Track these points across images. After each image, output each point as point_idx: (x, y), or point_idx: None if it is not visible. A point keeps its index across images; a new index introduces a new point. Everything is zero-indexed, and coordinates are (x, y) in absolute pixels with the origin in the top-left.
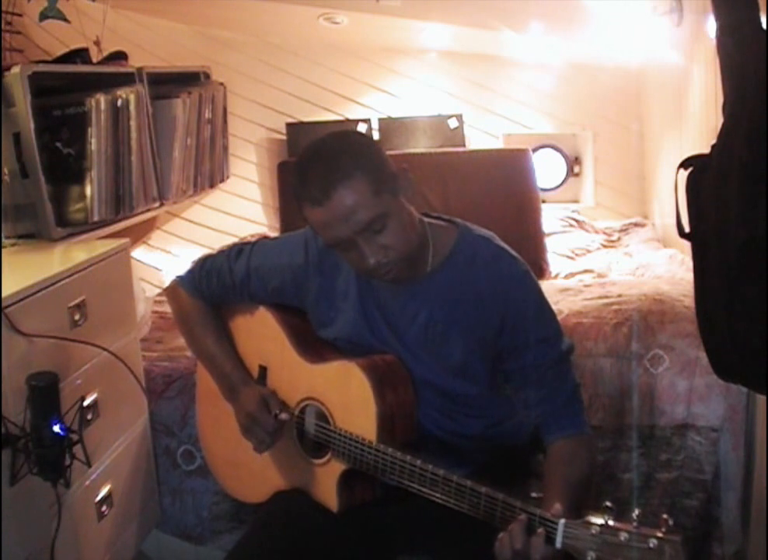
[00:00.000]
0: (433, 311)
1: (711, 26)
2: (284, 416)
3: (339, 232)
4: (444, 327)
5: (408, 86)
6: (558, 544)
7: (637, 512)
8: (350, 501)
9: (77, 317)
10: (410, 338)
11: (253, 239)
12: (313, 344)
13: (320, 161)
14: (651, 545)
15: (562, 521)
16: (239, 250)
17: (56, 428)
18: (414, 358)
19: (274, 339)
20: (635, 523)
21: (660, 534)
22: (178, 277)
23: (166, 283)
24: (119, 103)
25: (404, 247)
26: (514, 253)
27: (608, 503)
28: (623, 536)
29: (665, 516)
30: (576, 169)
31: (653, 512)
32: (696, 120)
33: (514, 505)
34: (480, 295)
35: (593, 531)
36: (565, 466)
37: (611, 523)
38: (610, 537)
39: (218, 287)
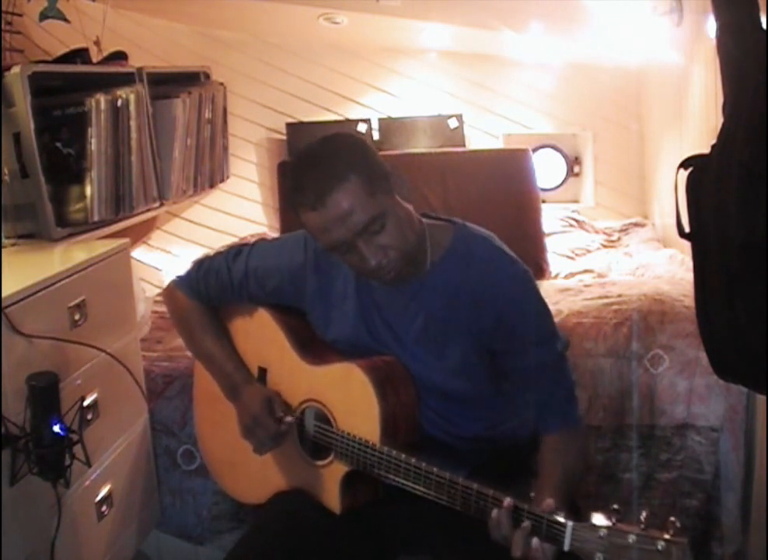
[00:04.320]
0: (432, 310)
1: (711, 26)
2: (289, 419)
3: (337, 236)
4: (443, 326)
5: (408, 86)
6: (566, 546)
7: (644, 514)
8: (353, 502)
9: (77, 317)
10: (410, 339)
11: (252, 240)
12: (313, 346)
13: (313, 166)
14: (659, 547)
15: (570, 524)
16: (237, 250)
17: (56, 428)
18: (413, 359)
19: (273, 341)
20: (642, 525)
21: (667, 536)
22: (175, 279)
23: (166, 283)
24: (119, 103)
25: (403, 246)
26: (512, 253)
27: (615, 506)
28: (631, 538)
29: (672, 518)
30: (576, 169)
31: (653, 512)
32: (696, 120)
33: (522, 509)
34: (476, 294)
35: (600, 534)
36: (559, 457)
37: (618, 525)
38: (618, 539)
39: (217, 288)
